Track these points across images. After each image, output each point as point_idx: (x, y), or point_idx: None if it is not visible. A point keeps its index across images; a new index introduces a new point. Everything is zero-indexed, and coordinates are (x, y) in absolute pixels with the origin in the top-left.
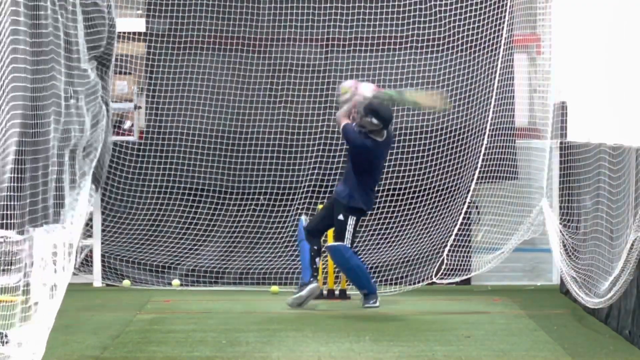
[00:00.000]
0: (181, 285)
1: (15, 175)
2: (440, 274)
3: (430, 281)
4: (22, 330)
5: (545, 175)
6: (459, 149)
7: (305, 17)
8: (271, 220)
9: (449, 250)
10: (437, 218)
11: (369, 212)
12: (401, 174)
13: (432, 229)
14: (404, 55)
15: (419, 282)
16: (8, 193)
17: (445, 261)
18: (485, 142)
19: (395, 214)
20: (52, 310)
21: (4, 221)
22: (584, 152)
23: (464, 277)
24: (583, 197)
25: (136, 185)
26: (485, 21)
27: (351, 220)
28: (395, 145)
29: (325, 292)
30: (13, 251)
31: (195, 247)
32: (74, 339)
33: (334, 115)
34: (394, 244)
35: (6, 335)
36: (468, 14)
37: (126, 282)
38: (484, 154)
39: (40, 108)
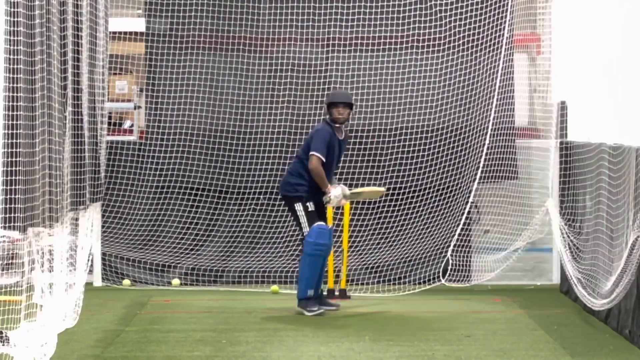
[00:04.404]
0: (181, 284)
1: (10, 177)
2: (448, 276)
3: (439, 283)
4: (28, 330)
5: (550, 175)
6: (460, 148)
7: (305, 17)
8: (271, 220)
9: (453, 251)
10: (441, 218)
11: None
12: (403, 174)
13: (435, 229)
14: (404, 55)
15: (423, 282)
16: (9, 195)
17: (450, 261)
18: (487, 141)
19: (398, 214)
20: (61, 310)
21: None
22: (584, 152)
23: (474, 282)
24: (583, 197)
25: (136, 185)
26: (486, 21)
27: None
28: (397, 144)
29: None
30: (13, 251)
31: (195, 247)
32: (74, 338)
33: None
34: (397, 244)
35: (6, 335)
36: (468, 14)
37: (126, 282)
38: (485, 154)
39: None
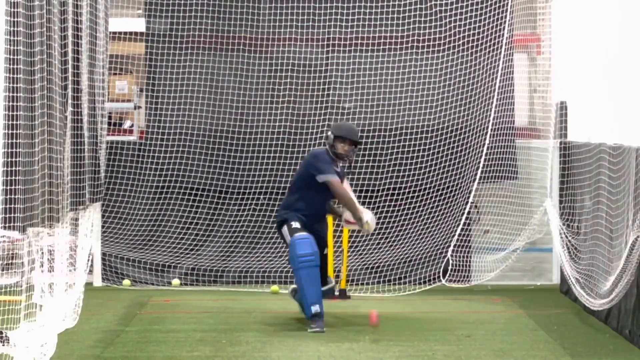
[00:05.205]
0: (181, 284)
1: (10, 177)
2: (448, 276)
3: (439, 283)
4: (28, 330)
5: (549, 175)
6: (460, 148)
7: (305, 17)
8: (271, 220)
9: (453, 251)
10: (441, 218)
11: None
12: (403, 174)
13: (435, 229)
14: (404, 55)
15: (423, 282)
16: (9, 195)
17: (450, 262)
18: (487, 141)
19: (398, 214)
20: (61, 310)
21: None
22: (584, 152)
23: (474, 282)
24: (583, 197)
25: (136, 185)
26: (486, 21)
27: None
28: (397, 144)
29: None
30: (13, 251)
31: (195, 247)
32: (74, 338)
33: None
34: (397, 244)
35: (6, 335)
36: (468, 14)
37: (126, 282)
38: (485, 154)
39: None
